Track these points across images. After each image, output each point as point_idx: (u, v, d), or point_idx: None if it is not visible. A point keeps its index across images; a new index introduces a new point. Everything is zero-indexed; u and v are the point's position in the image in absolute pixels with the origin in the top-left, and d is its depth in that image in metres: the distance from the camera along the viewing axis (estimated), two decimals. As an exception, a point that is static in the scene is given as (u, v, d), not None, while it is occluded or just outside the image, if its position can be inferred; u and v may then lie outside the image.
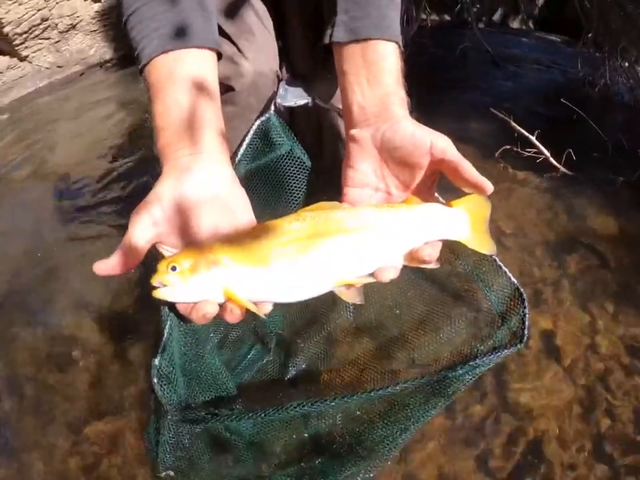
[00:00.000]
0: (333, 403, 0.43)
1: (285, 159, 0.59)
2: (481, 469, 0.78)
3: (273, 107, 0.58)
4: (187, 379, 0.55)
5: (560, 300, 1.03)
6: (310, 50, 0.62)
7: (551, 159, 1.33)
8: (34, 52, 2.18)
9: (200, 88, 0.44)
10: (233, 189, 0.43)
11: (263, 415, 0.45)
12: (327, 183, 0.55)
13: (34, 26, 2.09)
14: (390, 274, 0.41)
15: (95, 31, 2.33)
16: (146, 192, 0.41)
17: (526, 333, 0.48)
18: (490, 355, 0.47)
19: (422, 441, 0.79)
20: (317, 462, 0.62)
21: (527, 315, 0.48)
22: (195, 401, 0.55)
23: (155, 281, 0.39)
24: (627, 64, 1.65)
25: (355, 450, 0.58)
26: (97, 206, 1.39)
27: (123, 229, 0.41)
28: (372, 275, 0.41)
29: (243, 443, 0.59)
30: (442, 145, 0.42)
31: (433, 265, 0.42)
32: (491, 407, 0.86)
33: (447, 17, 2.42)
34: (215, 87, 0.46)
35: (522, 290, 0.50)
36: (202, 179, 0.41)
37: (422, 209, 0.43)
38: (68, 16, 2.20)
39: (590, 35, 1.73)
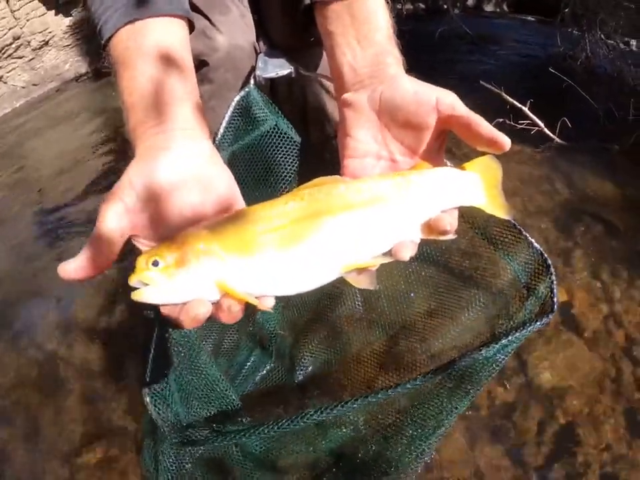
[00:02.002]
0: (355, 405, 0.37)
1: (271, 136, 0.54)
2: (513, 458, 0.73)
3: (252, 81, 0.53)
4: (184, 394, 0.48)
5: (572, 271, 1.01)
6: (289, 18, 0.58)
7: (545, 130, 1.31)
8: (8, 72, 2.11)
9: (171, 59, 0.40)
10: (213, 166, 0.39)
11: (277, 428, 0.38)
12: (317, 158, 0.49)
13: (6, 45, 2.03)
14: (409, 250, 0.36)
15: (68, 45, 2.26)
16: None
17: (556, 301, 0.44)
18: (522, 330, 0.42)
19: (447, 436, 0.73)
20: (340, 476, 0.55)
21: (555, 282, 0.44)
22: (195, 419, 0.49)
23: (133, 281, 0.33)
24: (605, 36, 1.65)
25: (383, 458, 0.50)
26: (79, 219, 1.35)
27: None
28: (387, 254, 0.37)
29: (252, 462, 0.52)
30: (450, 100, 0.38)
31: (452, 236, 0.38)
32: (516, 391, 0.82)
33: (422, 5, 2.41)
34: (187, 58, 0.42)
35: (546, 255, 0.45)
36: (178, 158, 0.37)
37: (435, 174, 0.39)
38: (40, 32, 2.13)
39: (567, 10, 1.74)
